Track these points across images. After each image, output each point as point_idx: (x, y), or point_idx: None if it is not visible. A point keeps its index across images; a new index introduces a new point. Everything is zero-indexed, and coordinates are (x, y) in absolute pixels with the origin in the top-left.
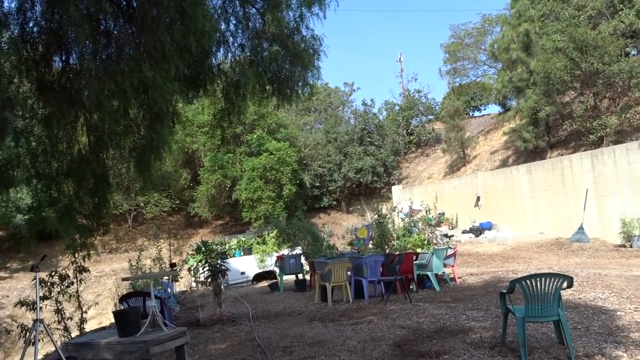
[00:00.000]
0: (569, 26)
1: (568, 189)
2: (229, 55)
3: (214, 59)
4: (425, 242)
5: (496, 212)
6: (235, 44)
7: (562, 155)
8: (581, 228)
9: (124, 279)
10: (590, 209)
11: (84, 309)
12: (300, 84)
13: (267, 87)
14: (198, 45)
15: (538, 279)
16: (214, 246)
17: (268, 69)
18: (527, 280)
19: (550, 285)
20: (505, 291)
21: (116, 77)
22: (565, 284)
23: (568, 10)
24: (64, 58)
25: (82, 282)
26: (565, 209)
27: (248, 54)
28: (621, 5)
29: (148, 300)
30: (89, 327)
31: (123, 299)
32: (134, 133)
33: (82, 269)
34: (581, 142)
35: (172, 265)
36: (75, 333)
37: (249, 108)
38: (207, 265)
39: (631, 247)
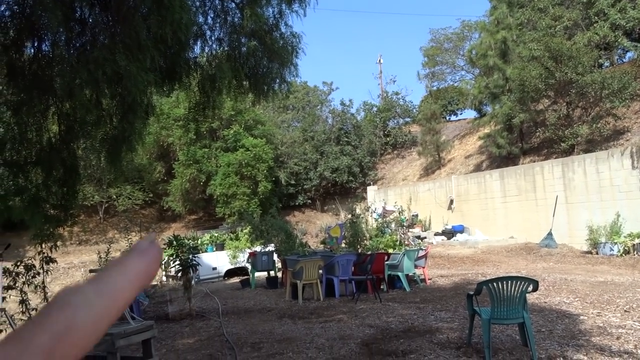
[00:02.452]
0: (545, 36)
1: (539, 195)
2: (206, 49)
3: (190, 52)
4: (397, 242)
5: (468, 215)
6: (213, 38)
7: (534, 162)
8: (550, 234)
9: (91, 271)
10: (560, 216)
11: (49, 301)
12: (277, 81)
13: (244, 83)
14: (174, 37)
15: (504, 282)
16: (186, 240)
17: (245, 65)
18: (494, 283)
19: (516, 288)
20: (472, 293)
21: (89, 66)
22: (530, 288)
23: (545, 20)
24: (36, 44)
25: (49, 273)
26: (535, 215)
27: (226, 48)
28: (596, 18)
29: None
30: None
31: None
32: (106, 123)
33: (49, 260)
34: (553, 149)
35: None
36: None
37: (225, 103)
38: (177, 259)
39: (597, 254)
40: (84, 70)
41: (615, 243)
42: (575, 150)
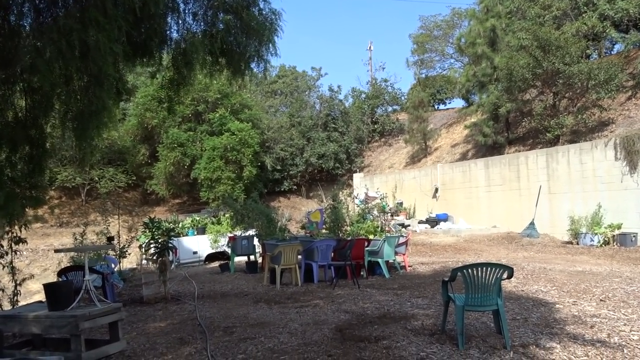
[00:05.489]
0: (534, 25)
1: (522, 184)
2: (180, 22)
3: (163, 26)
4: (378, 229)
5: (453, 204)
6: (187, 11)
7: (519, 151)
8: (532, 223)
9: (56, 251)
10: (542, 206)
11: (17, 281)
12: (255, 58)
13: (220, 60)
14: (144, 8)
15: (479, 269)
16: (166, 223)
17: (222, 41)
18: (469, 270)
19: (491, 275)
20: (447, 279)
21: (52, 35)
22: (505, 275)
23: (534, 9)
24: (1, 14)
25: (17, 253)
26: (519, 204)
27: (201, 23)
28: (585, 8)
29: (90, 274)
30: (33, 300)
31: (62, 272)
32: (73, 97)
33: (19, 240)
34: (538, 139)
35: (110, 239)
36: (9, 307)
37: (198, 80)
38: (153, 242)
39: (578, 244)
40: (48, 40)
41: (596, 234)
42: (560, 140)
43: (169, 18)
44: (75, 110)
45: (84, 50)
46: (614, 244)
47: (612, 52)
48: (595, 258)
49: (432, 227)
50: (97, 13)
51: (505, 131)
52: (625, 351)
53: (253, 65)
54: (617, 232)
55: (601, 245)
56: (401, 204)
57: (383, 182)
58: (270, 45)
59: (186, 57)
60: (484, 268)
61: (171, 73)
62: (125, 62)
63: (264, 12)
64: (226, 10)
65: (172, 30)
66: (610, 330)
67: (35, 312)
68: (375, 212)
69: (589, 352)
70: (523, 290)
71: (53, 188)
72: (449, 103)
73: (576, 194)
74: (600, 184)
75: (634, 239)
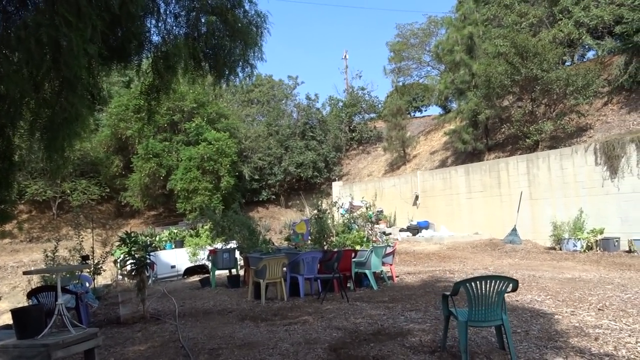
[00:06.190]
0: (511, 32)
1: (503, 191)
2: (160, 24)
3: (142, 28)
4: (365, 239)
5: (433, 211)
6: (168, 12)
7: (499, 158)
8: (514, 230)
9: (25, 273)
10: (524, 212)
11: None
12: (240, 63)
13: (203, 64)
14: (122, 7)
15: (483, 282)
16: (143, 237)
17: (205, 44)
18: (472, 283)
19: (495, 288)
20: (448, 293)
21: (19, 33)
22: (510, 288)
23: (511, 16)
24: None
25: None
26: (500, 211)
27: (183, 25)
28: (560, 15)
29: (63, 294)
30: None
31: (32, 293)
32: (43, 105)
33: None
34: (518, 146)
35: (84, 258)
36: None
37: (179, 85)
38: (130, 258)
39: (561, 249)
40: (14, 39)
41: (579, 239)
42: (540, 146)
43: (149, 19)
44: (46, 119)
45: (55, 50)
46: (597, 249)
47: (585, 59)
48: (581, 264)
49: (414, 234)
50: (67, 9)
51: (485, 137)
52: None
53: (239, 69)
54: (599, 237)
55: (584, 251)
56: (381, 212)
57: (362, 190)
58: (257, 48)
59: (168, 60)
60: (488, 281)
61: (151, 78)
62: (101, 65)
63: (249, 15)
64: (210, 12)
65: (152, 32)
66: (616, 342)
67: (1, 342)
68: (360, 222)
69: None
70: (517, 300)
71: (22, 202)
72: (425, 110)
73: (557, 199)
74: (581, 189)
75: (616, 243)
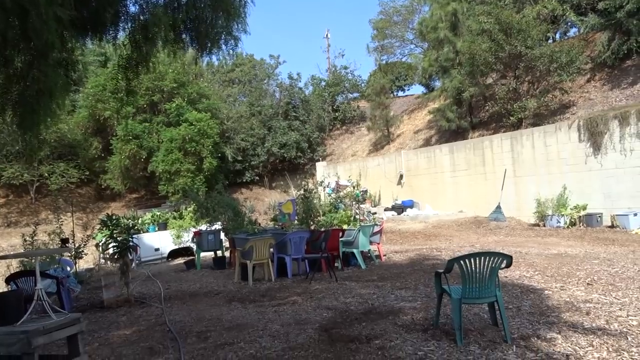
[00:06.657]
0: (495, 8)
1: (488, 169)
2: None
3: None
4: (352, 218)
5: (418, 190)
6: None
7: (483, 136)
8: (499, 207)
9: (0, 257)
10: (508, 189)
11: None
12: (223, 35)
13: (184, 36)
14: None
15: (477, 258)
16: (125, 220)
17: (186, 14)
18: (466, 260)
19: (490, 264)
20: (441, 271)
21: None
22: (504, 264)
23: None
24: None
25: None
26: (484, 189)
27: None
28: None
29: (44, 279)
30: None
31: (10, 278)
32: (13, 78)
33: None
34: (502, 123)
35: (64, 241)
36: None
37: (159, 58)
38: (112, 241)
39: (544, 226)
40: None
41: (562, 215)
42: (523, 124)
43: None
44: (17, 93)
45: (22, 17)
46: (581, 224)
47: (569, 36)
48: (565, 240)
49: (399, 214)
50: None
51: (469, 116)
52: (629, 338)
53: (222, 42)
54: (582, 213)
55: (568, 227)
56: (366, 191)
57: (347, 170)
58: (240, 19)
59: (146, 31)
60: (482, 257)
61: (129, 51)
62: (74, 37)
63: None
64: None
65: (130, 1)
66: (608, 316)
67: None
68: (347, 201)
69: (593, 341)
70: (506, 277)
71: None
72: (408, 90)
73: (541, 176)
74: (564, 166)
75: (599, 219)
